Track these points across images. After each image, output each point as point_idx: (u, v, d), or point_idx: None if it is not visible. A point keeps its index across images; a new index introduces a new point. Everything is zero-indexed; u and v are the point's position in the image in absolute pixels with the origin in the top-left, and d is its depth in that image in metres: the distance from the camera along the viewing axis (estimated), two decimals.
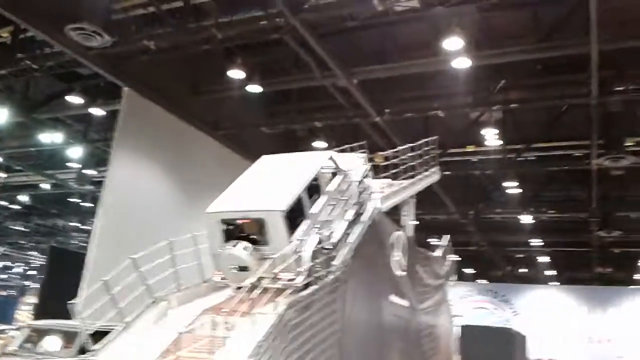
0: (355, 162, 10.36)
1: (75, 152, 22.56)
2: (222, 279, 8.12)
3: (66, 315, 8.31)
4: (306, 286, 7.60)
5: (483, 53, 14.11)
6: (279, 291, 7.19)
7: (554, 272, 39.16)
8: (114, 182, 14.93)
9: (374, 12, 12.09)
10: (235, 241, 7.90)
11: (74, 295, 10.55)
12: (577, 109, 17.05)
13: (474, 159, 21.48)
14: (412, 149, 12.69)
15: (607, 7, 12.12)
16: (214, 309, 7.00)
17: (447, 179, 23.46)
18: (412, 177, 12.43)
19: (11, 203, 32.29)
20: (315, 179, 8.85)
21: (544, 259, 36.37)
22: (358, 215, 9.63)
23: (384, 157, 13.19)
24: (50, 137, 21.11)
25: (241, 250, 7.75)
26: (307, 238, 7.98)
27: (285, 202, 7.95)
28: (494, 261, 37.58)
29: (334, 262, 8.40)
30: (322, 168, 9.09)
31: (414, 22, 14.47)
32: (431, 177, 13.83)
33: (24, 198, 31.07)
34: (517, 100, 16.28)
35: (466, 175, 23.78)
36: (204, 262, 8.43)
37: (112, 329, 7.08)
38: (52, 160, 24.06)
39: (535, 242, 32.23)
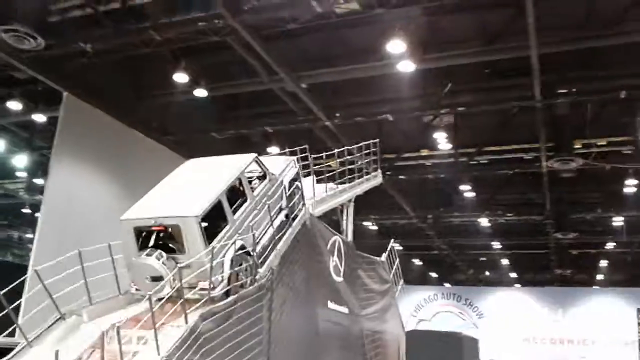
0: (285, 165, 10.02)
1: (22, 161, 21.86)
2: (137, 290, 7.75)
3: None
4: (227, 295, 7.32)
5: (428, 56, 14.14)
6: (197, 302, 6.90)
7: (515, 275, 39.59)
8: (54, 190, 14.46)
9: (314, 14, 11.93)
10: (149, 249, 7.52)
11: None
12: (526, 112, 17.13)
13: (428, 163, 21.49)
14: (350, 152, 12.48)
15: (547, 11, 12.27)
16: (126, 322, 6.65)
17: (403, 183, 23.65)
18: (350, 180, 12.20)
19: None
20: (238, 182, 8.52)
21: (504, 262, 36.74)
22: (289, 220, 9.35)
23: (338, 163, 13.00)
24: None
25: (153, 259, 7.36)
26: (227, 244, 7.66)
27: (200, 207, 7.57)
28: (456, 265, 37.85)
29: (260, 269, 8.11)
30: (245, 171, 8.76)
31: (360, 26, 14.33)
32: (372, 180, 13.64)
33: None
34: (466, 104, 16.28)
35: (422, 179, 23.81)
36: (123, 273, 8.04)
37: (14, 346, 6.67)
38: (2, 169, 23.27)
39: (495, 244, 32.55)
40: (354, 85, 16.46)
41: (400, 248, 35.98)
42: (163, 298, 6.68)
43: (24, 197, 25.19)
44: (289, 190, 9.47)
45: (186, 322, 6.43)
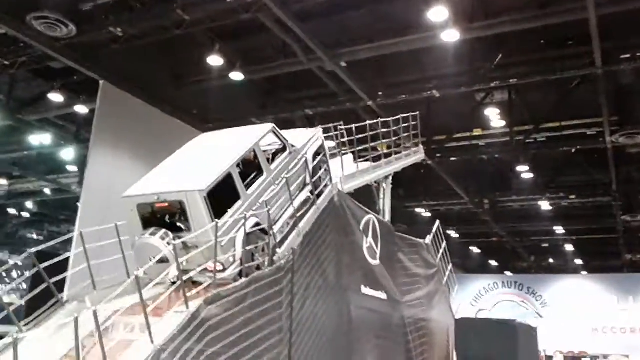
0: (309, 138, 9.24)
1: (71, 154, 22.10)
2: (145, 273, 7.21)
3: None
4: (241, 277, 6.70)
5: (475, 25, 13.09)
6: (206, 285, 6.33)
7: (580, 261, 37.53)
8: (93, 181, 14.32)
9: None
10: (153, 229, 6.97)
11: None
12: (587, 83, 15.83)
13: (482, 143, 20.28)
14: (385, 125, 11.54)
15: None
16: (131, 309, 6.15)
17: (455, 166, 22.54)
18: (386, 155, 11.34)
19: (20, 211, 32.04)
20: (253, 155, 7.85)
21: (568, 248, 34.81)
22: (314, 197, 8.62)
23: (386, 146, 12.22)
24: (41, 139, 20.68)
25: (157, 239, 6.80)
26: (240, 221, 7.01)
27: (206, 181, 6.96)
28: (517, 252, 36.18)
29: (278, 250, 7.42)
30: (262, 142, 8.08)
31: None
32: (412, 156, 12.74)
33: (30, 205, 30.77)
34: (519, 76, 15.05)
35: (476, 161, 22.58)
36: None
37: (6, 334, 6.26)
38: (51, 163, 23.64)
39: (558, 229, 30.78)
40: (397, 62, 15.59)
41: (457, 235, 34.83)
42: (172, 282, 6.15)
43: (77, 191, 25.57)
44: (313, 164, 8.75)
45: (187, 307, 5.85)
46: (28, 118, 18.88)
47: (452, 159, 20.89)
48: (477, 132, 19.91)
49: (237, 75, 15.17)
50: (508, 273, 39.39)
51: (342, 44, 14.46)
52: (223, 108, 17.58)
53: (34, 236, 35.77)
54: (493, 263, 41.23)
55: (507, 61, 15.09)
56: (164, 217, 7.17)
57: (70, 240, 8.74)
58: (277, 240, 7.56)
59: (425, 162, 20.27)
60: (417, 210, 28.97)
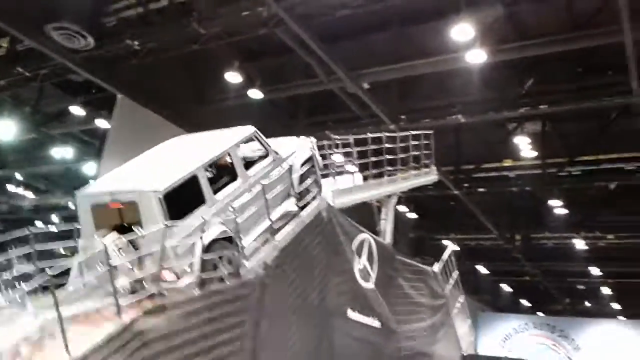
0: (300, 148, 8.61)
1: (93, 169, 22.07)
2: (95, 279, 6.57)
3: None
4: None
5: (504, 47, 12.48)
6: (156, 296, 5.76)
7: (618, 306, 35.66)
8: None
9: None
10: (105, 231, 6.39)
11: None
12: (626, 116, 14.98)
13: (512, 174, 19.42)
14: (391, 141, 10.85)
15: None
16: (74, 317, 5.61)
17: (484, 198, 21.64)
18: (390, 173, 10.62)
19: (46, 225, 32.11)
20: (227, 158, 7.28)
21: (605, 291, 33.11)
22: (297, 209, 7.98)
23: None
24: (65, 153, 20.70)
25: (107, 242, 6.14)
26: (201, 228, 6.39)
27: (164, 182, 6.38)
28: (550, 292, 34.63)
29: (247, 262, 6.75)
30: (237, 145, 7.46)
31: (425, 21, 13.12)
32: (421, 177, 11.99)
33: (56, 220, 30.90)
34: (549, 102, 14.29)
35: (507, 194, 21.65)
36: None
37: None
38: (75, 178, 23.64)
39: (594, 270, 29.27)
40: (422, 85, 15.13)
41: (486, 272, 33.58)
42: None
43: None
44: (301, 174, 8.15)
45: (119, 316, 5.28)
46: (53, 132, 18.93)
47: (480, 189, 20.00)
48: (507, 162, 19.10)
49: (255, 94, 14.85)
50: (540, 314, 37.71)
51: (365, 65, 14.03)
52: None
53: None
54: (524, 303, 39.63)
55: (540, 88, 14.40)
56: (120, 219, 6.58)
57: None
58: (245, 252, 6.85)
59: (451, 191, 19.60)
60: (445, 242, 27.97)
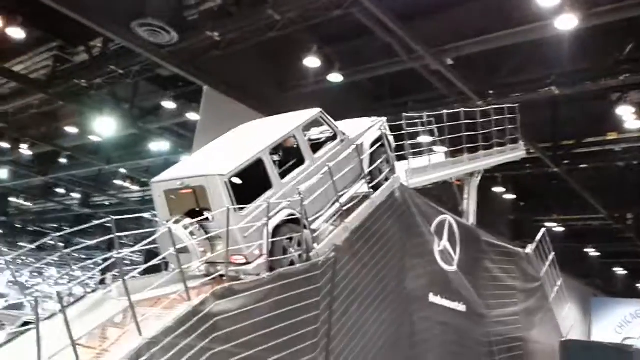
0: (368, 127, 8.42)
1: None
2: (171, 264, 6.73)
3: None
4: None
5: (596, 10, 11.46)
6: (228, 279, 5.81)
7: None
8: None
9: None
10: (178, 217, 6.55)
11: None
12: None
13: (617, 148, 17.99)
14: (470, 116, 10.25)
15: None
16: (152, 300, 5.80)
17: (590, 175, 20.24)
18: (471, 150, 10.07)
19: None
20: (292, 140, 7.25)
21: None
22: (368, 190, 7.80)
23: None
24: (162, 147, 21.68)
25: (179, 227, 6.34)
26: (268, 211, 6.40)
27: (229, 165, 6.45)
28: None
29: (316, 245, 6.68)
30: (303, 127, 7.43)
31: None
32: (507, 153, 11.28)
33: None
34: None
35: (613, 170, 20.11)
36: None
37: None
38: None
39: None
40: (510, 58, 14.24)
41: (597, 254, 31.52)
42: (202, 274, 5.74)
43: None
44: (371, 155, 7.95)
45: (188, 299, 5.33)
46: (150, 126, 19.88)
47: (583, 166, 18.71)
48: (611, 135, 17.71)
49: (335, 77, 14.75)
50: None
51: (447, 40, 13.48)
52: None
53: None
54: None
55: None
56: (191, 204, 6.75)
57: None
58: (315, 234, 6.84)
59: (551, 169, 18.50)
60: (548, 224, 26.51)
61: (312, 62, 14.23)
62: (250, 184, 6.65)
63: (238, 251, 6.25)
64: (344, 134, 7.89)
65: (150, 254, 6.92)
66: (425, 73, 14.68)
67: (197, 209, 6.69)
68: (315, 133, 8.17)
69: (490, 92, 14.66)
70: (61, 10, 12.44)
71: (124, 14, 12.60)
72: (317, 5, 11.74)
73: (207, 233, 6.41)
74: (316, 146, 7.72)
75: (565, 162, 18.26)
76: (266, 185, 6.79)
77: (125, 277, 5.48)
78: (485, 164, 10.77)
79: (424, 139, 10.34)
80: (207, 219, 6.50)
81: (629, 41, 12.84)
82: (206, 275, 6.85)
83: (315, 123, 7.89)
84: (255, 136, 7.55)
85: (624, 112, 15.62)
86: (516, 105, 11.37)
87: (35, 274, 45.42)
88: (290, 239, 6.67)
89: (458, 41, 13.49)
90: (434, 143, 10.10)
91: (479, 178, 10.65)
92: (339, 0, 11.51)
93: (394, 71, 15.06)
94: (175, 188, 6.76)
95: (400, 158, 9.08)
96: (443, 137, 9.69)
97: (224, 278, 5.93)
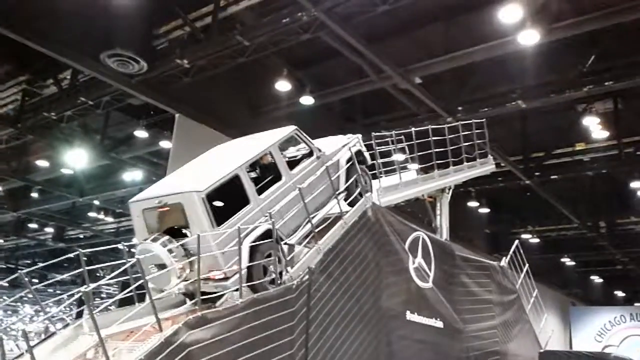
0: (343, 144, 8.50)
1: None
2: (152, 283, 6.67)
3: None
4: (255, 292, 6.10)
5: (556, 25, 11.81)
6: (201, 308, 5.76)
7: None
8: None
9: None
10: (156, 235, 6.51)
11: None
12: None
13: (586, 158, 18.38)
14: (439, 133, 10.45)
15: None
16: (121, 334, 5.72)
17: (561, 186, 20.59)
18: (440, 166, 10.21)
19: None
20: (269, 157, 7.30)
21: None
22: (340, 210, 7.80)
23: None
24: (135, 176, 21.51)
25: (157, 245, 6.31)
26: (242, 226, 6.36)
27: (206, 182, 6.46)
28: None
29: (289, 268, 6.69)
30: (280, 144, 7.48)
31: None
32: (477, 168, 11.46)
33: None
34: (614, 78, 13.38)
35: (584, 180, 20.54)
36: None
37: None
38: None
39: None
40: (476, 74, 14.53)
41: (572, 263, 31.91)
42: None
43: None
44: (347, 171, 8.02)
45: (160, 330, 5.26)
46: (122, 156, 19.72)
47: (554, 177, 19.06)
48: (579, 146, 18.13)
49: (307, 100, 14.88)
50: (638, 304, 35.43)
51: (414, 59, 13.75)
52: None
53: None
54: (619, 294, 37.37)
55: (603, 65, 13.52)
56: (170, 222, 6.74)
57: None
58: (289, 254, 6.85)
59: (524, 181, 18.79)
60: (524, 236, 26.86)
61: (283, 85, 14.36)
62: (227, 200, 6.68)
63: (216, 267, 6.19)
64: (320, 150, 7.96)
65: (126, 285, 6.84)
66: (395, 92, 14.92)
67: (176, 227, 6.67)
68: (292, 151, 8.25)
69: (459, 108, 14.91)
70: (29, 44, 12.40)
71: (92, 46, 12.56)
72: (286, 30, 11.85)
73: (185, 250, 6.37)
74: (293, 163, 7.80)
75: (537, 174, 18.58)
76: (244, 201, 6.80)
77: (95, 311, 5.41)
78: (456, 179, 10.87)
79: (397, 157, 10.44)
80: (185, 236, 6.48)
81: (591, 53, 13.21)
82: (185, 294, 6.79)
83: (291, 140, 7.96)
84: (231, 154, 7.61)
85: (590, 122, 16.03)
86: (483, 120, 11.58)
87: (9, 312, 44.29)
88: (269, 255, 6.68)
89: (425, 60, 13.78)
90: (405, 161, 10.20)
91: (450, 193, 10.77)
92: (307, 24, 11.65)
93: (364, 91, 15.27)
94: (153, 206, 6.74)
95: (373, 177, 9.17)
96: (413, 155, 9.79)
97: (196, 307, 5.87)
